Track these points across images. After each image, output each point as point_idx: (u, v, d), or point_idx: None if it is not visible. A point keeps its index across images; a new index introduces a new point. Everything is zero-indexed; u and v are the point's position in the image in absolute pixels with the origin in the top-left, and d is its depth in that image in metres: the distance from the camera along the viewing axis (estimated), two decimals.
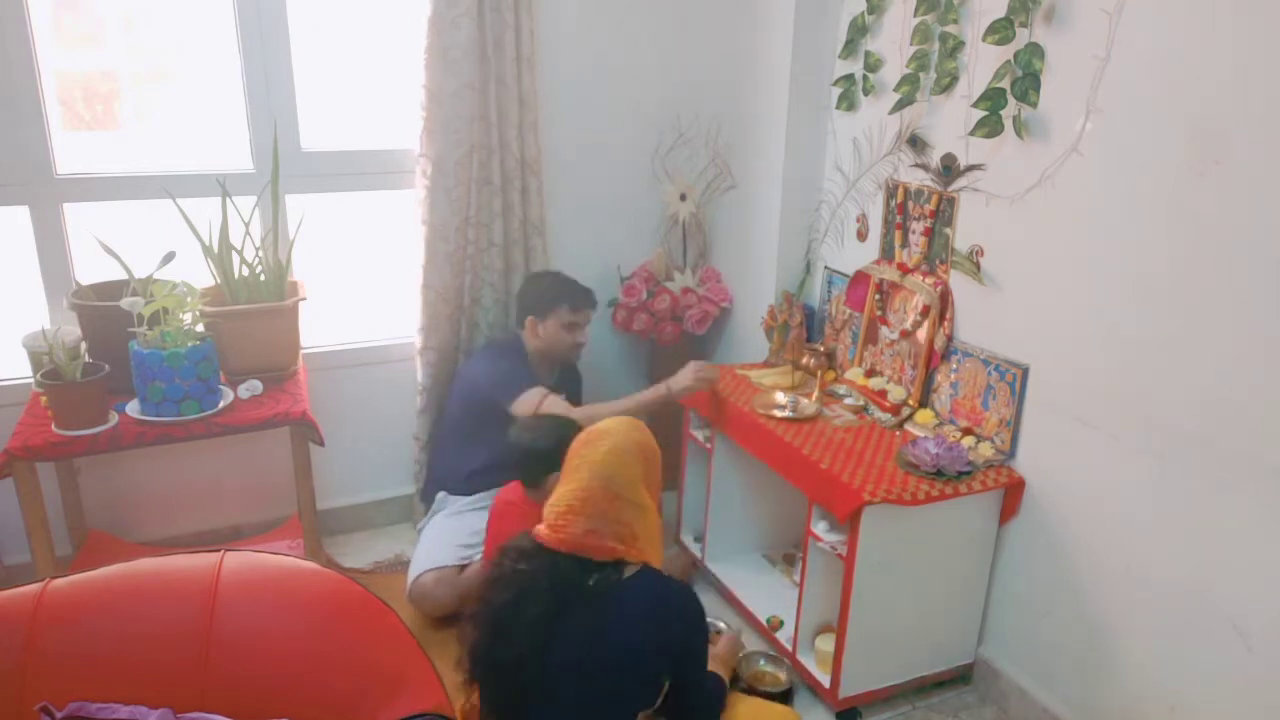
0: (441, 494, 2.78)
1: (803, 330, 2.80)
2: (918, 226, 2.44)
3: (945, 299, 2.37)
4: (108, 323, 2.30)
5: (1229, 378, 1.73)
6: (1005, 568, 2.29)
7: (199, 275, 2.44)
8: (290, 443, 2.42)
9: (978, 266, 2.27)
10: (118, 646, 1.54)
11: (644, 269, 3.14)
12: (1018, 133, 2.08)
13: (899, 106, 2.41)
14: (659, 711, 1.72)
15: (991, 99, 2.11)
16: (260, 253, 2.49)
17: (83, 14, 2.60)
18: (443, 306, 2.83)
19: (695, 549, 2.85)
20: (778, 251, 2.88)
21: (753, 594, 2.63)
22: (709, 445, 2.71)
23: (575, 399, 2.91)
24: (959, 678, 2.39)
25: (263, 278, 2.49)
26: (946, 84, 2.27)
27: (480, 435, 2.65)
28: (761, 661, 2.38)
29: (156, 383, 2.19)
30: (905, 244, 2.50)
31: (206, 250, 2.42)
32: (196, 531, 2.84)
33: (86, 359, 2.29)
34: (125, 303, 2.21)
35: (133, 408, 2.26)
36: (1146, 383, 1.89)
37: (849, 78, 2.63)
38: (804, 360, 2.70)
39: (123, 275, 2.35)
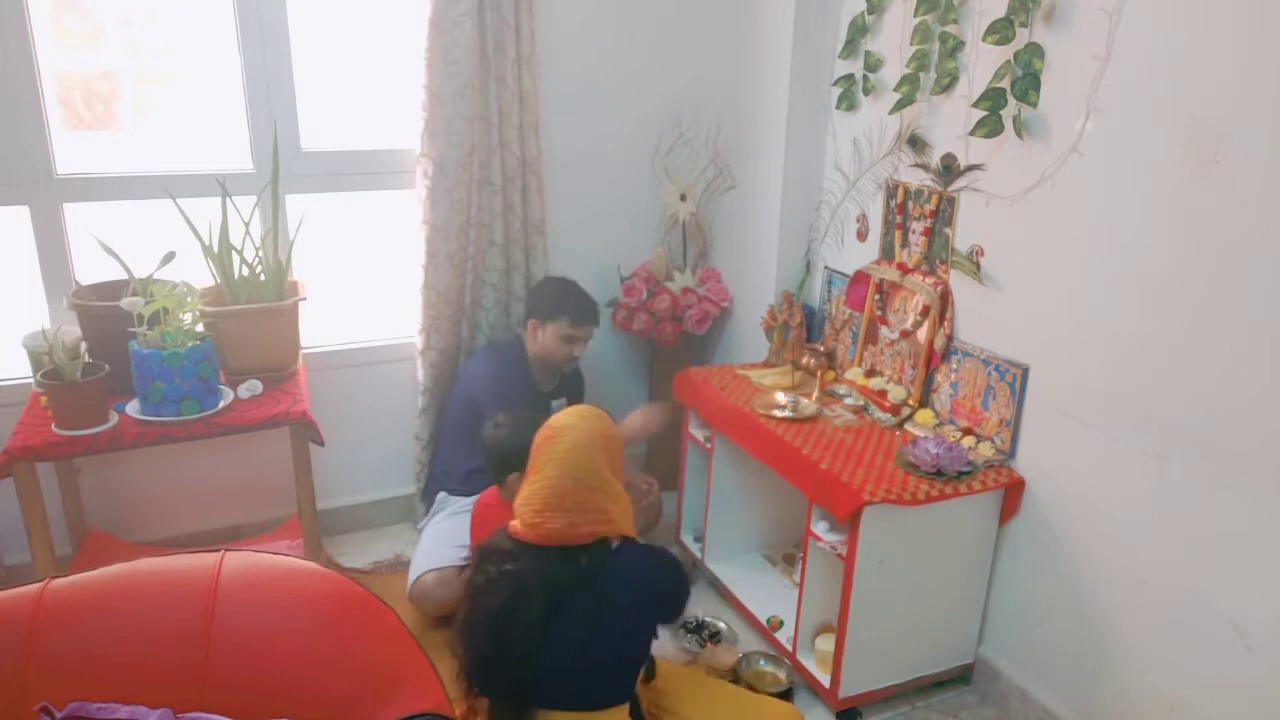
0: (442, 494, 2.78)
1: (803, 330, 2.80)
2: (918, 226, 2.44)
3: (945, 299, 2.37)
4: (108, 323, 2.30)
5: (1229, 378, 1.73)
6: (1005, 568, 2.29)
7: (199, 275, 2.44)
8: (290, 443, 2.42)
9: (978, 266, 2.27)
10: (118, 646, 1.54)
11: (644, 269, 3.14)
12: (1018, 133, 2.08)
13: (899, 106, 2.41)
14: None
15: (991, 99, 2.11)
16: (260, 253, 2.49)
17: (83, 14, 2.60)
18: (444, 307, 2.83)
19: (695, 549, 2.85)
20: (778, 251, 2.88)
21: (753, 594, 2.63)
22: (709, 445, 2.71)
23: (577, 400, 2.91)
24: (959, 678, 2.39)
25: (263, 278, 2.49)
26: (946, 84, 2.27)
27: (479, 436, 2.65)
28: (761, 661, 2.38)
29: (156, 383, 2.19)
30: (905, 244, 2.50)
31: (206, 250, 2.42)
32: (196, 531, 2.84)
33: (86, 359, 2.28)
34: (125, 303, 2.20)
35: (133, 408, 2.26)
36: (1146, 383, 1.89)
37: (849, 78, 2.63)
38: (804, 360, 2.70)
39: (123, 275, 2.34)
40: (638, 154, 3.10)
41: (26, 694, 1.47)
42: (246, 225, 2.46)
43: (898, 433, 2.41)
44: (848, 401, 2.60)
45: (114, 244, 2.35)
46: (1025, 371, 2.16)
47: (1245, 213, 1.67)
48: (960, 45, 2.22)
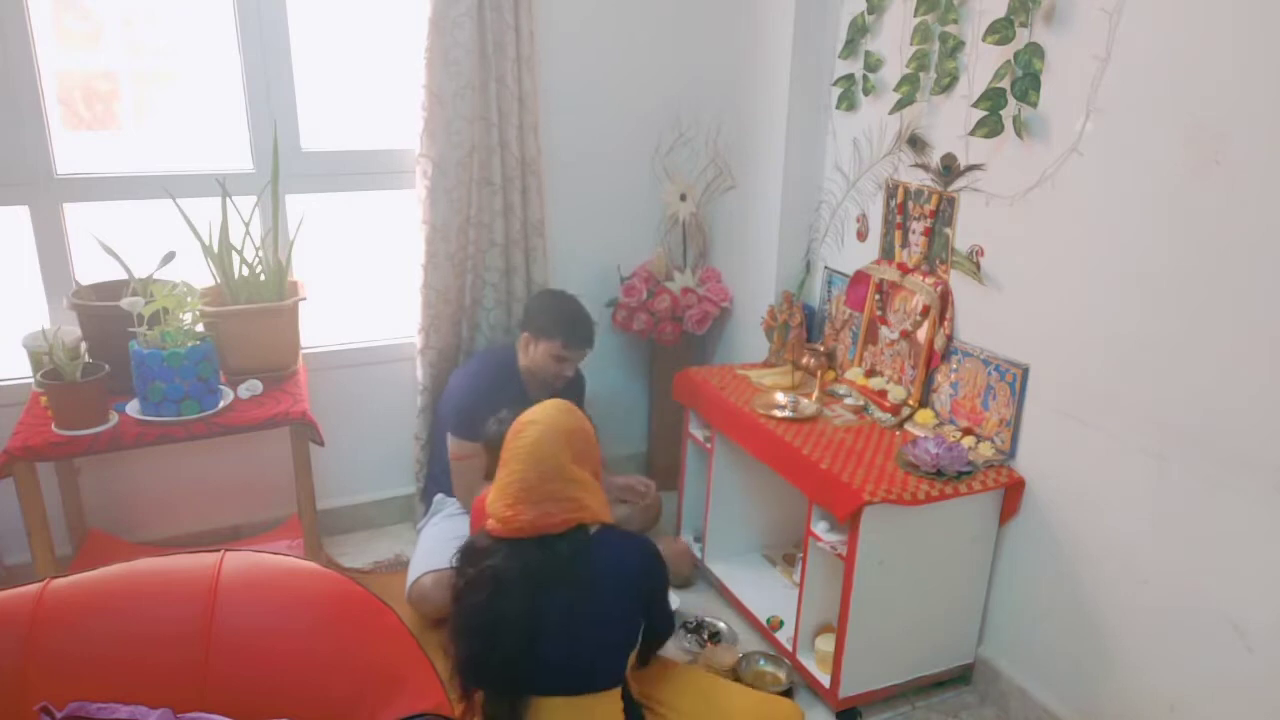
0: (439, 495, 2.78)
1: (803, 330, 2.80)
2: (918, 226, 2.44)
3: (945, 299, 2.37)
4: (108, 323, 2.30)
5: (1229, 378, 1.73)
6: (1005, 568, 2.29)
7: (199, 275, 2.44)
8: (290, 443, 2.42)
9: (978, 266, 2.27)
10: (118, 646, 1.54)
11: (644, 269, 3.14)
12: (1018, 133, 2.08)
13: (899, 106, 2.41)
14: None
15: (991, 99, 2.11)
16: (260, 253, 2.49)
17: (83, 14, 2.60)
18: (444, 307, 2.83)
19: (695, 549, 2.85)
20: (778, 251, 2.88)
21: (753, 594, 2.63)
22: (709, 445, 2.71)
23: (578, 401, 2.90)
24: (959, 678, 2.39)
25: (263, 278, 2.49)
26: (946, 84, 2.27)
27: None
28: (761, 661, 2.38)
29: (156, 383, 2.19)
30: (905, 244, 2.50)
31: (206, 250, 2.42)
32: (196, 531, 2.84)
33: (86, 359, 2.28)
34: (125, 303, 2.20)
35: (133, 408, 2.26)
36: (1146, 383, 1.89)
37: (849, 78, 2.63)
38: (804, 360, 2.70)
39: (123, 275, 2.35)
40: (638, 154, 3.10)
41: (26, 694, 1.47)
42: (246, 225, 2.46)
43: (898, 433, 2.41)
44: (848, 401, 2.60)
45: (114, 244, 2.35)
46: (1025, 371, 2.16)
47: (1245, 213, 1.67)
48: (960, 45, 2.22)
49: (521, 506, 1.71)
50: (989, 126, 2.13)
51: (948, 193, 2.33)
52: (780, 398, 2.57)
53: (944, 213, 2.36)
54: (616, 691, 1.77)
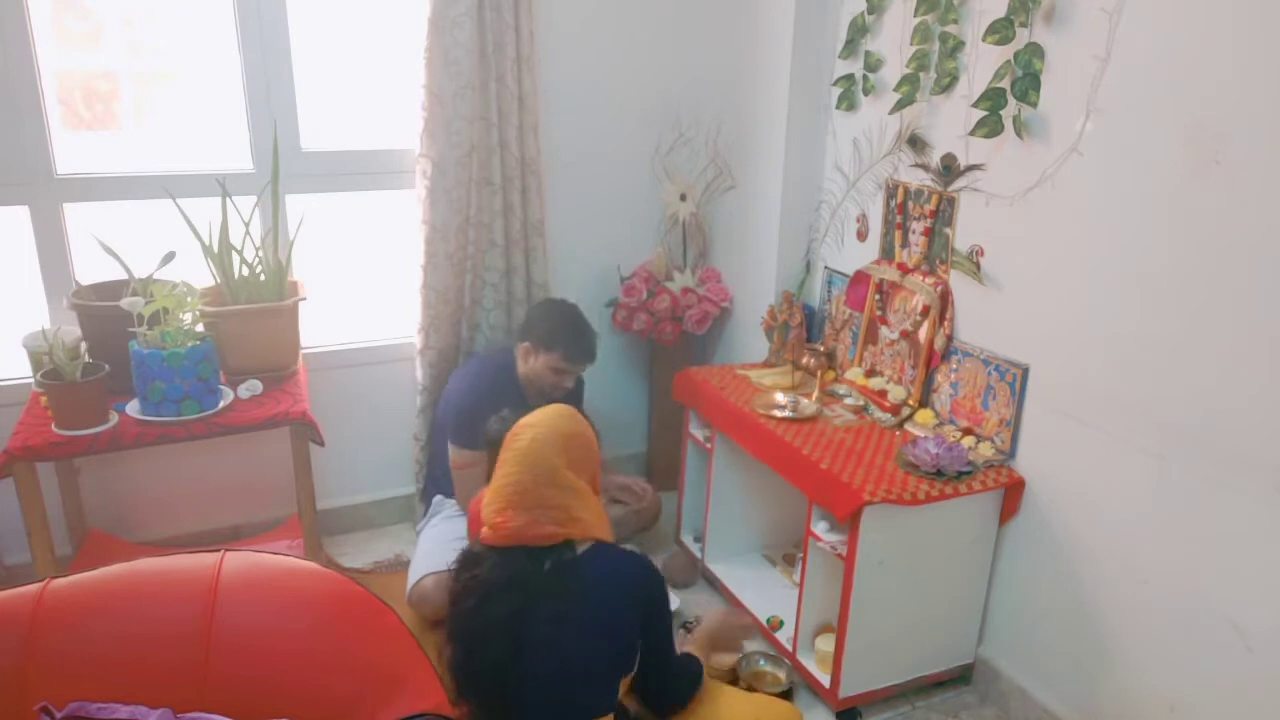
0: (439, 497, 2.78)
1: (803, 330, 2.80)
2: (918, 226, 2.44)
3: (945, 299, 2.37)
4: (108, 323, 2.30)
5: (1229, 378, 1.73)
6: (1005, 568, 2.29)
7: (199, 275, 2.44)
8: (290, 443, 2.42)
9: (978, 266, 2.27)
10: (118, 646, 1.54)
11: (644, 269, 3.14)
12: (1018, 133, 2.08)
13: (899, 106, 2.41)
14: (633, 683, 1.78)
15: (991, 99, 2.11)
16: (260, 253, 2.49)
17: (83, 14, 2.60)
18: (443, 307, 2.83)
19: (695, 549, 2.85)
20: (778, 251, 2.88)
21: (753, 594, 2.63)
22: (709, 445, 2.71)
23: (577, 403, 2.90)
24: (959, 678, 2.39)
25: (263, 278, 2.49)
26: (946, 84, 2.27)
27: None
28: (761, 661, 2.38)
29: (156, 383, 2.19)
30: (905, 244, 2.50)
31: (206, 250, 2.42)
32: (196, 531, 2.84)
33: (86, 359, 2.28)
34: (125, 303, 2.21)
35: (133, 408, 2.26)
36: (1146, 383, 1.89)
37: (849, 78, 2.63)
38: (804, 360, 2.70)
39: (123, 275, 2.35)
40: (638, 154, 3.10)
41: (26, 694, 1.47)
42: (246, 225, 2.46)
43: (898, 433, 2.41)
44: (848, 401, 2.60)
45: (114, 244, 2.35)
46: (1025, 371, 2.16)
47: (1245, 213, 1.67)
48: (960, 45, 2.22)
49: (511, 512, 1.67)
50: (989, 126, 2.13)
51: (948, 193, 2.33)
52: (780, 398, 2.57)
53: (944, 213, 2.36)
54: (609, 719, 1.70)
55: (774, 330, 2.88)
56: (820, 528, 2.21)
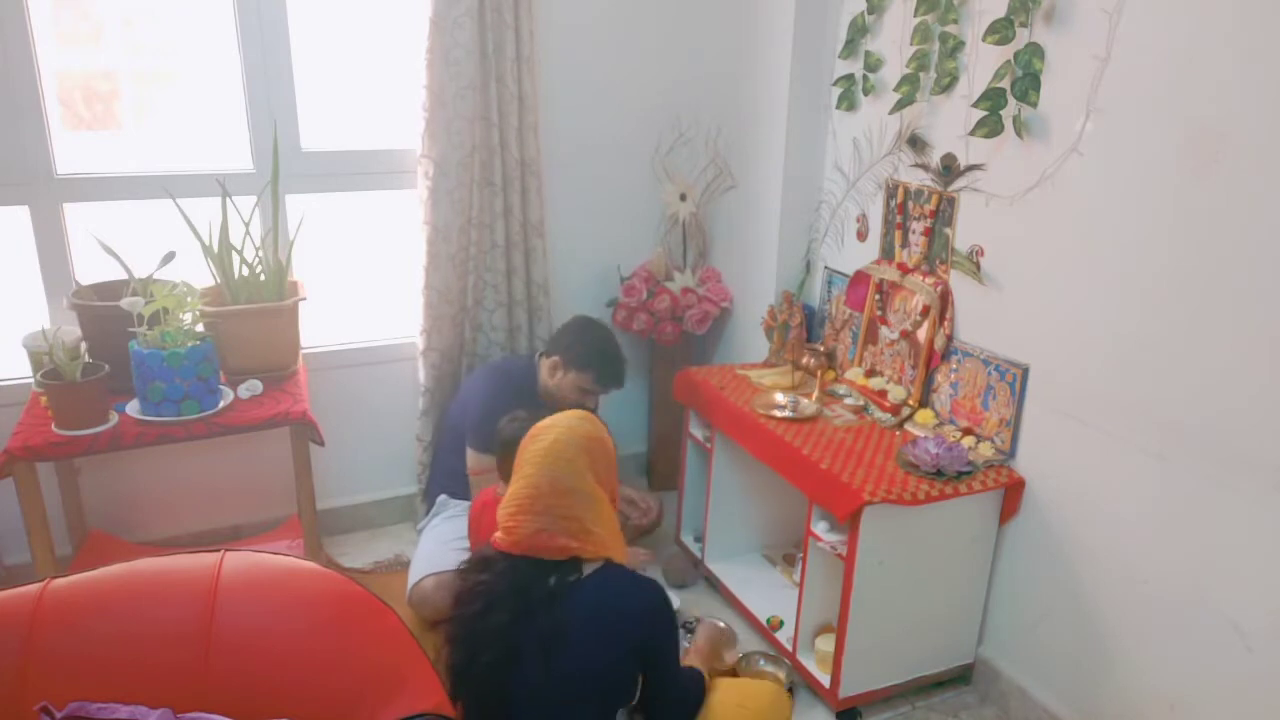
0: (443, 496, 2.78)
1: (803, 330, 2.80)
2: (918, 226, 2.44)
3: (945, 299, 2.37)
4: (108, 323, 2.30)
5: (1229, 378, 1.73)
6: (1005, 568, 2.29)
7: (199, 275, 2.44)
8: (290, 443, 2.42)
9: (978, 266, 2.27)
10: (118, 646, 1.54)
11: (644, 269, 3.14)
12: (1018, 133, 2.08)
13: (899, 106, 2.41)
14: (636, 708, 1.73)
15: (991, 99, 2.11)
16: (260, 253, 2.49)
17: (83, 14, 2.60)
18: (445, 308, 2.83)
19: (695, 549, 2.85)
20: (778, 251, 2.88)
21: (753, 594, 2.63)
22: (709, 445, 2.71)
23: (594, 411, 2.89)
24: (959, 678, 2.39)
25: (263, 278, 2.49)
26: (946, 84, 2.27)
27: None
28: (761, 661, 2.38)
29: (156, 383, 2.19)
30: (905, 244, 2.50)
31: (206, 250, 2.42)
32: (196, 531, 2.84)
33: (86, 359, 2.28)
34: (125, 303, 2.20)
35: (133, 408, 2.26)
36: (1146, 382, 1.89)
37: (849, 78, 2.63)
38: (804, 360, 2.70)
39: (123, 275, 2.35)
40: (637, 154, 3.10)
41: (26, 694, 1.47)
42: (246, 225, 2.46)
43: (898, 433, 2.41)
44: (848, 401, 2.60)
45: (114, 244, 2.35)
46: (1025, 371, 2.16)
47: (1245, 213, 1.67)
48: (960, 45, 2.22)
49: (524, 516, 1.63)
50: (989, 126, 2.13)
51: (948, 193, 2.33)
52: (780, 398, 2.57)
53: (944, 213, 2.36)
54: None
55: (774, 330, 2.88)
56: (820, 528, 2.21)
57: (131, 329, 2.22)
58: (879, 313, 2.59)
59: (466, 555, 2.50)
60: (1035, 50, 2.01)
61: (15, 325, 2.41)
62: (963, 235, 2.31)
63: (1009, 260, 2.20)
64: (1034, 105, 2.04)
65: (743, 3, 2.87)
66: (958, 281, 2.34)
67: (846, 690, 2.21)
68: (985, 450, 2.24)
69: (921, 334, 2.45)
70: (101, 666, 1.52)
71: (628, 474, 3.30)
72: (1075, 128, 1.96)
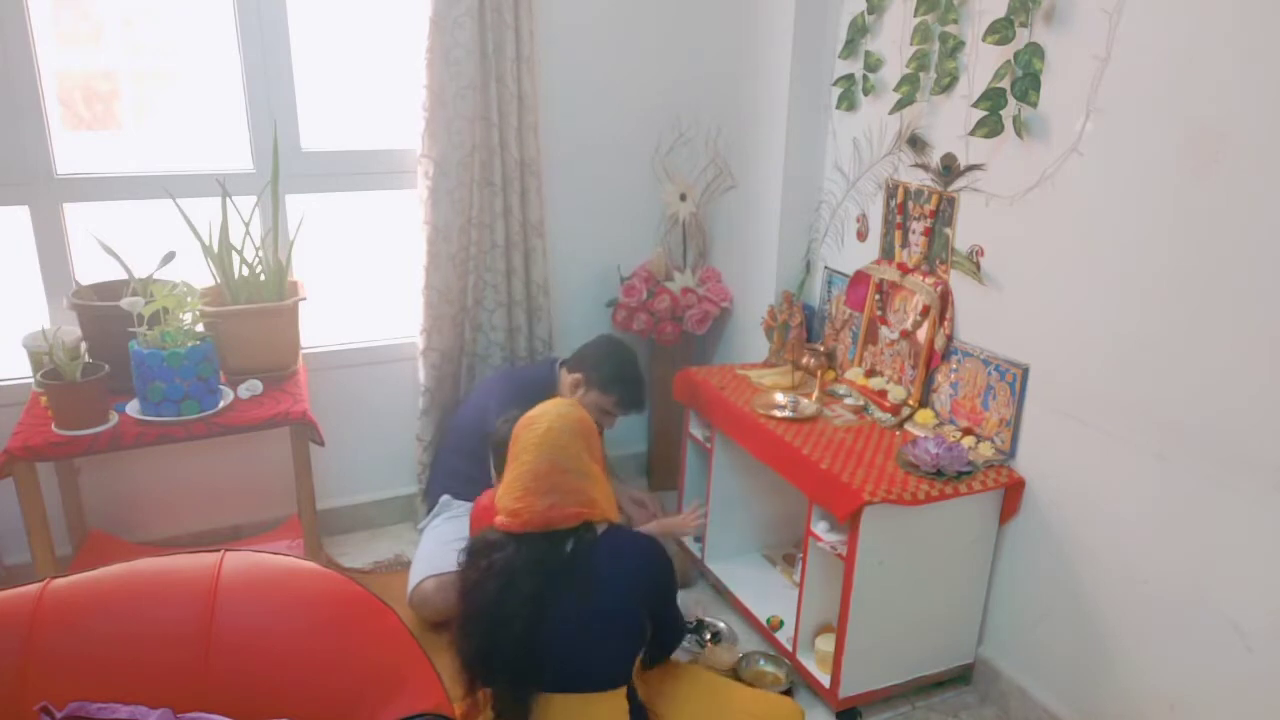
0: (445, 496, 2.78)
1: (803, 330, 2.80)
2: (918, 226, 2.44)
3: (945, 299, 2.37)
4: (108, 323, 2.30)
5: (1229, 378, 1.73)
6: (1005, 568, 2.29)
7: (199, 275, 2.44)
8: (290, 443, 2.42)
9: (978, 266, 2.27)
10: (118, 646, 1.54)
11: (644, 269, 3.14)
12: (1018, 133, 2.08)
13: (899, 106, 2.41)
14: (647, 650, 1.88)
15: (991, 99, 2.11)
16: (260, 253, 2.49)
17: (83, 14, 2.60)
18: (445, 308, 2.83)
19: (695, 549, 2.85)
20: (778, 251, 2.88)
21: (753, 594, 2.63)
22: (709, 445, 2.71)
23: None
24: (959, 678, 2.39)
25: (263, 278, 2.49)
26: (946, 84, 2.27)
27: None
28: (761, 661, 2.38)
29: (156, 383, 2.19)
30: (905, 244, 2.50)
31: (206, 250, 2.42)
32: (196, 531, 2.84)
33: (86, 359, 2.28)
34: (125, 303, 2.21)
35: (133, 408, 2.26)
36: (1146, 382, 1.89)
37: (849, 78, 2.63)
38: (804, 360, 2.70)
39: (123, 275, 2.35)
40: (637, 154, 3.10)
41: (26, 694, 1.47)
42: (246, 225, 2.46)
43: (898, 433, 2.41)
44: (848, 401, 2.60)
45: (114, 244, 2.35)
46: (1025, 371, 2.16)
47: (1245, 212, 1.67)
48: (960, 45, 2.22)
49: (532, 498, 1.72)
50: (989, 126, 2.13)
51: (948, 193, 2.33)
52: (780, 398, 2.57)
53: (944, 213, 2.36)
54: (621, 691, 1.77)
55: (774, 330, 2.88)
56: (820, 528, 2.21)
57: (131, 329, 2.22)
58: (879, 313, 2.59)
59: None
60: (1035, 50, 2.01)
61: (15, 325, 2.41)
62: (963, 235, 2.31)
63: (1009, 260, 2.20)
64: (1034, 105, 2.04)
65: (743, 3, 2.87)
66: (958, 281, 2.34)
67: (846, 690, 2.21)
68: (985, 450, 2.24)
69: (921, 334, 2.45)
70: (101, 666, 1.52)
71: (628, 474, 3.31)
72: (1075, 128, 1.96)
